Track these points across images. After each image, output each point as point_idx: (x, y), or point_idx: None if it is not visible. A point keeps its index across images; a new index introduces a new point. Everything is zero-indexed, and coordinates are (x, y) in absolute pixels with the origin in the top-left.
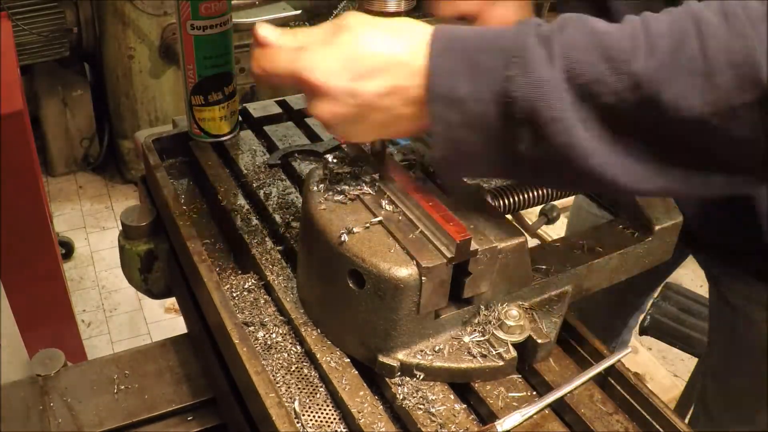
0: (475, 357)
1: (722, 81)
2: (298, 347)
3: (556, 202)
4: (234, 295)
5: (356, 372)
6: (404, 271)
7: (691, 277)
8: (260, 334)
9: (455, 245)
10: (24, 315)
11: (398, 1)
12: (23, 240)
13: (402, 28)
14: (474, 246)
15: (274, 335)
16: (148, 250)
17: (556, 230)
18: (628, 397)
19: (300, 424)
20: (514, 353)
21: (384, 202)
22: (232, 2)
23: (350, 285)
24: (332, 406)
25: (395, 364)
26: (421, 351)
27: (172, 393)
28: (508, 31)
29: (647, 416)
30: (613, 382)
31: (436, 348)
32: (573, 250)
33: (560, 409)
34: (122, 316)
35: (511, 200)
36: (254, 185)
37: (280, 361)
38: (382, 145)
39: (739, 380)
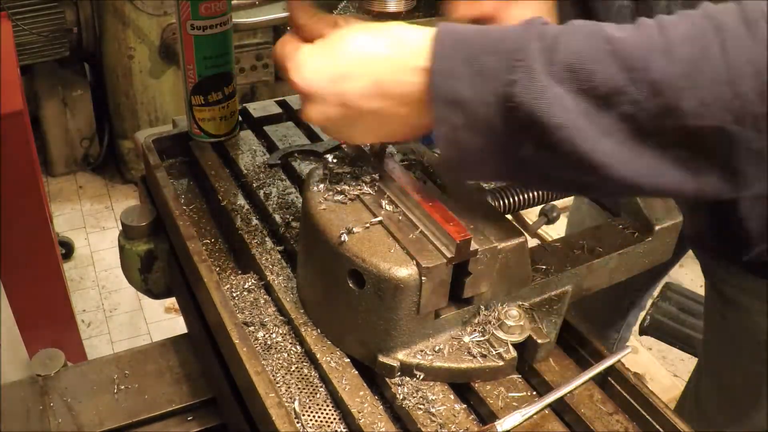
0: (475, 357)
1: (745, 89)
2: (298, 347)
3: (556, 202)
4: (234, 295)
5: (356, 372)
6: (404, 271)
7: (691, 277)
8: (260, 334)
9: (455, 245)
10: (24, 315)
11: (398, 1)
12: (23, 240)
13: (391, 29)
14: (474, 246)
15: (274, 335)
16: (148, 250)
17: (556, 230)
18: (628, 397)
19: (300, 424)
20: (514, 353)
21: (384, 202)
22: (232, 2)
23: (350, 285)
24: (332, 406)
25: (395, 364)
26: (421, 351)
27: (172, 393)
28: (512, 32)
29: (647, 416)
30: (613, 382)
31: (436, 348)
32: (573, 250)
33: (560, 409)
34: (122, 316)
35: (511, 200)
36: (254, 185)
37: (280, 361)
38: (381, 144)
39: (732, 376)
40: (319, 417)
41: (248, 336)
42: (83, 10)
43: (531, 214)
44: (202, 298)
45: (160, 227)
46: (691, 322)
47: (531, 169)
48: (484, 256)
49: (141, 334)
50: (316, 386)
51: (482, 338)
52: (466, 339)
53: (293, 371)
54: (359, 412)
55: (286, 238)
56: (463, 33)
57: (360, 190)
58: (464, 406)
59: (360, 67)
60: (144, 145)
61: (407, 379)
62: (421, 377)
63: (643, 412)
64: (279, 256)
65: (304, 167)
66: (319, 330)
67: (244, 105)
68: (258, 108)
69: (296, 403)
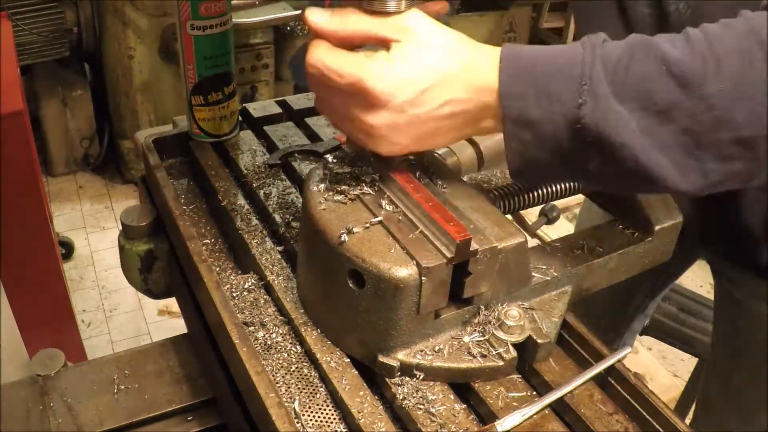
0: (475, 357)
1: None
2: (298, 347)
3: (556, 202)
4: (234, 295)
5: (356, 372)
6: (404, 271)
7: (691, 277)
8: (260, 334)
9: (455, 245)
10: (24, 315)
11: (398, 1)
12: (23, 240)
13: (462, 49)
14: (474, 246)
15: (274, 335)
16: (148, 250)
17: (556, 230)
18: (628, 397)
19: (300, 424)
20: (514, 353)
21: (384, 202)
22: (232, 2)
23: (350, 285)
24: (332, 406)
25: (395, 364)
26: (421, 351)
27: (172, 393)
28: (576, 55)
29: (647, 416)
30: (613, 382)
31: (436, 348)
32: (573, 250)
33: (560, 409)
34: (122, 316)
35: (511, 200)
36: (254, 185)
37: (280, 361)
38: None
39: (741, 378)
40: (319, 417)
41: (248, 336)
42: (83, 10)
43: (531, 214)
44: (202, 298)
45: (160, 227)
46: (692, 323)
47: (595, 179)
48: (484, 256)
49: (141, 334)
50: (316, 386)
51: (482, 338)
52: (466, 339)
53: (293, 371)
54: (359, 412)
55: (286, 238)
56: (529, 55)
57: (360, 190)
58: (464, 406)
59: (438, 84)
60: (144, 145)
61: (407, 379)
62: (421, 377)
63: (643, 412)
64: (279, 256)
65: (304, 167)
66: (319, 330)
67: (244, 105)
68: (258, 108)
69: (296, 403)
